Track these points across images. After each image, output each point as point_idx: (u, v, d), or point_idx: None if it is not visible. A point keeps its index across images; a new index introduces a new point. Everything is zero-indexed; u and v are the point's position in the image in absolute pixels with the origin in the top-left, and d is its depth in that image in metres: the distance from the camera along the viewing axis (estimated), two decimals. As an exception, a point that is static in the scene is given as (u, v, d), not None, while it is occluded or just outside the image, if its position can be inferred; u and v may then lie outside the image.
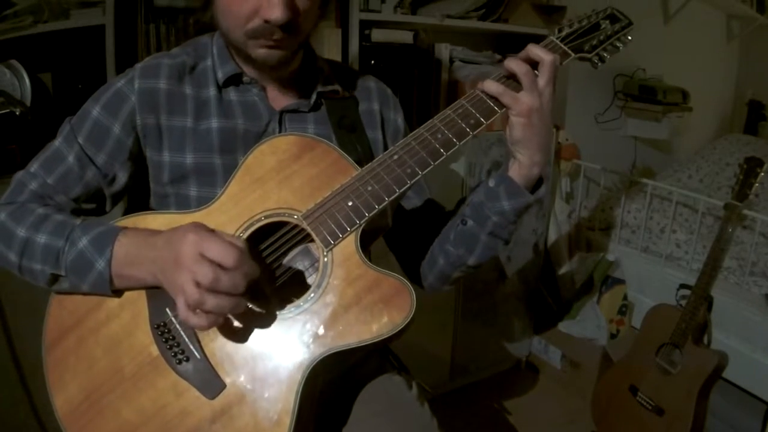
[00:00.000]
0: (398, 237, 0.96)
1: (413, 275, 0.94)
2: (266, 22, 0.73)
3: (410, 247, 0.94)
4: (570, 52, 0.80)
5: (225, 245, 0.64)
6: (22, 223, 0.73)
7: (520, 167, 0.77)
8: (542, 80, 0.74)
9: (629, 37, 0.84)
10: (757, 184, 1.51)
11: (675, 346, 1.55)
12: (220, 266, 0.63)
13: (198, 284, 0.62)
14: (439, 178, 1.76)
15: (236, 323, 0.70)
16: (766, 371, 1.65)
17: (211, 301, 0.62)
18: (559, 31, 0.82)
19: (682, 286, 1.66)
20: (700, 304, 1.52)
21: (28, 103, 1.29)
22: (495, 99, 0.75)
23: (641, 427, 1.61)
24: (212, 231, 0.67)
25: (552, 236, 2.20)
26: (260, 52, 0.77)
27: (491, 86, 0.75)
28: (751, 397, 1.70)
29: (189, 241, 0.64)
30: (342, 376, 0.90)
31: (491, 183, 0.79)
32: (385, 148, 0.94)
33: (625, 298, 2.09)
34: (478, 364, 2.18)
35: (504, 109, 0.76)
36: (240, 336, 0.70)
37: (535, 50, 0.75)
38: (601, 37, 0.82)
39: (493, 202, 0.78)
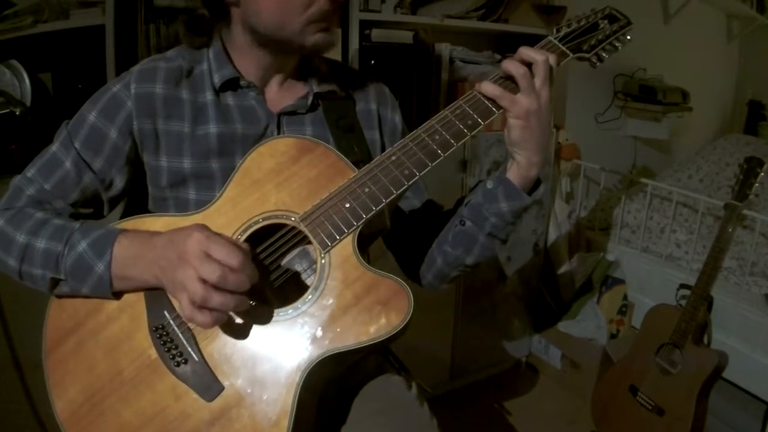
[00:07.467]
0: (396, 237, 0.96)
1: (412, 274, 0.95)
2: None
3: (409, 248, 0.95)
4: (568, 52, 0.79)
5: (230, 246, 0.64)
6: (21, 228, 0.73)
7: (519, 168, 0.78)
8: (538, 81, 0.74)
9: (628, 37, 0.83)
10: (757, 184, 1.51)
11: (675, 346, 1.55)
12: (224, 266, 0.63)
13: (203, 281, 0.62)
14: (438, 179, 1.76)
15: (238, 320, 0.70)
16: (766, 371, 1.65)
17: (217, 298, 0.63)
18: (557, 31, 0.81)
19: (682, 286, 1.66)
20: (700, 304, 1.52)
21: (28, 103, 1.29)
22: (492, 100, 0.75)
23: (641, 427, 1.61)
24: (216, 232, 0.67)
25: (552, 236, 2.20)
26: (318, 37, 0.78)
27: (488, 88, 0.75)
28: (751, 397, 1.71)
29: (194, 239, 0.65)
30: (341, 375, 0.90)
31: (489, 185, 0.80)
32: (383, 148, 0.93)
33: (625, 298, 2.09)
34: (478, 364, 2.18)
35: (501, 110, 0.75)
36: (238, 338, 0.70)
37: (526, 52, 0.74)
38: (600, 37, 0.81)
39: (491, 203, 0.79)
